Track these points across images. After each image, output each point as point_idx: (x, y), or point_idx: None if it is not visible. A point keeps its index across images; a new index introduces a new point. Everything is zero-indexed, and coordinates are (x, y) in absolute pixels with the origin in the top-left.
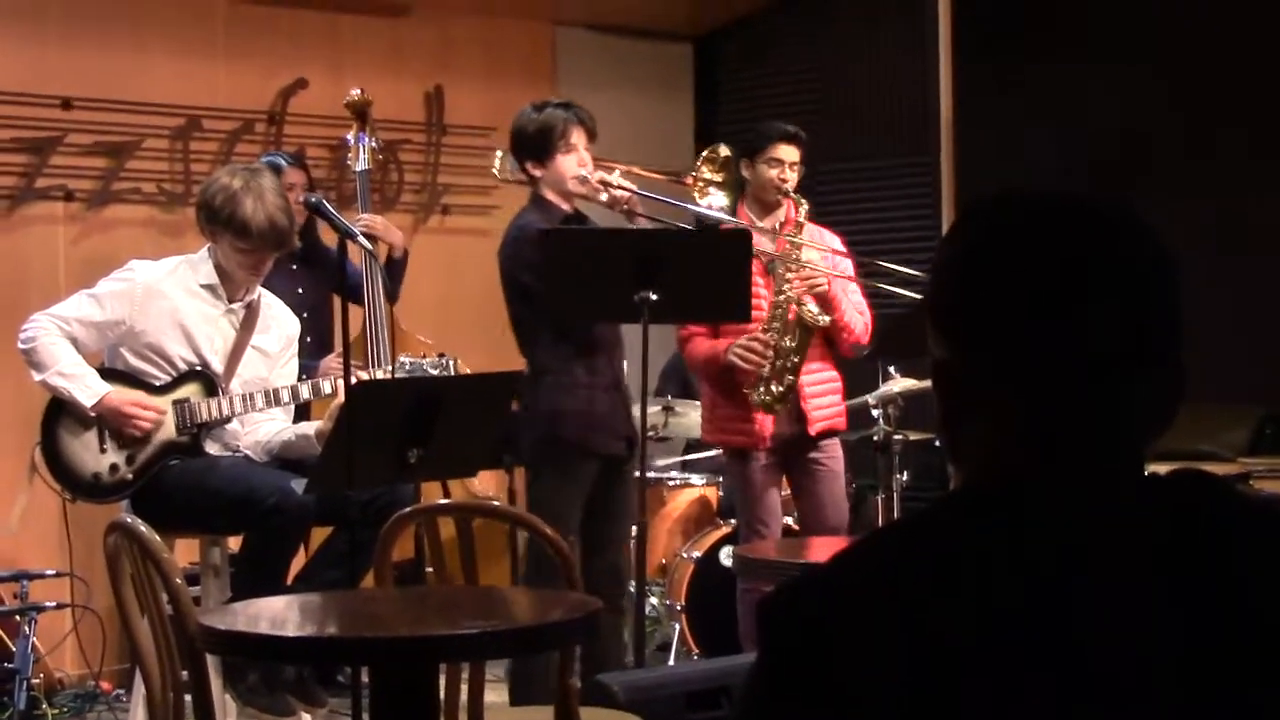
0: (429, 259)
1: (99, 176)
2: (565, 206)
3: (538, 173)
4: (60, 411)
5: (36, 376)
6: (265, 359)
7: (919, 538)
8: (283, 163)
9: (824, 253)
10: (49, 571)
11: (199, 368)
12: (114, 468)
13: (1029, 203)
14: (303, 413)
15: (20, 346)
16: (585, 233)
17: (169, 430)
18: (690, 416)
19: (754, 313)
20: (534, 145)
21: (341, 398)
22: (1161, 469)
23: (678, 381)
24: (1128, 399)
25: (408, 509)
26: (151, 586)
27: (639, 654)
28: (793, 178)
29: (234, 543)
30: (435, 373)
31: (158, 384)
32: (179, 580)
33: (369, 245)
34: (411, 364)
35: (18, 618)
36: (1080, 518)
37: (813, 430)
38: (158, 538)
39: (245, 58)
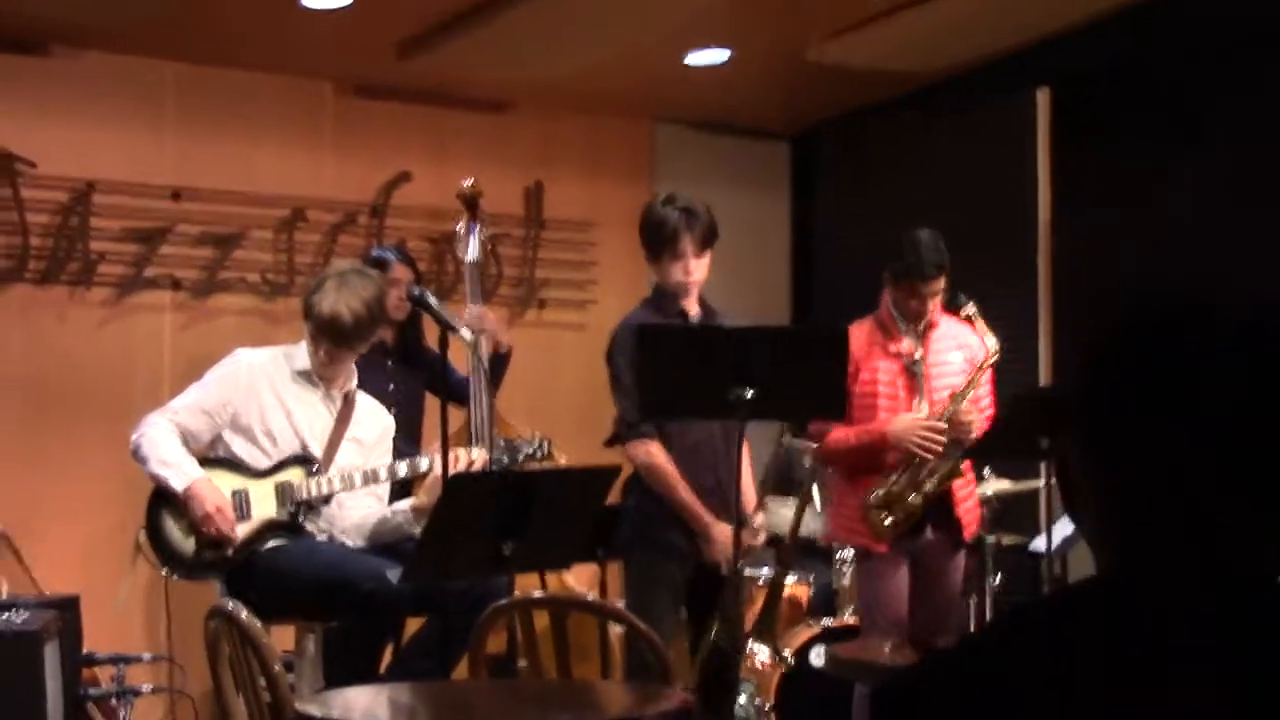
0: (526, 352)
1: (205, 266)
2: (682, 303)
3: (652, 267)
4: (164, 494)
5: (143, 469)
6: (361, 449)
7: (1020, 640)
8: (391, 258)
9: (965, 357)
10: (146, 656)
11: (299, 453)
12: (215, 544)
13: (1168, 313)
14: (403, 493)
15: (130, 448)
16: (681, 330)
17: (269, 509)
18: (781, 514)
19: (888, 400)
20: (647, 239)
21: (438, 473)
22: None
23: (776, 479)
24: (1251, 509)
25: (503, 601)
26: (250, 672)
27: None
28: (935, 305)
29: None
30: (530, 450)
31: (259, 468)
32: (278, 666)
33: (470, 338)
34: (507, 443)
35: (114, 701)
36: (1183, 628)
37: (968, 535)
38: (258, 623)
39: (350, 151)
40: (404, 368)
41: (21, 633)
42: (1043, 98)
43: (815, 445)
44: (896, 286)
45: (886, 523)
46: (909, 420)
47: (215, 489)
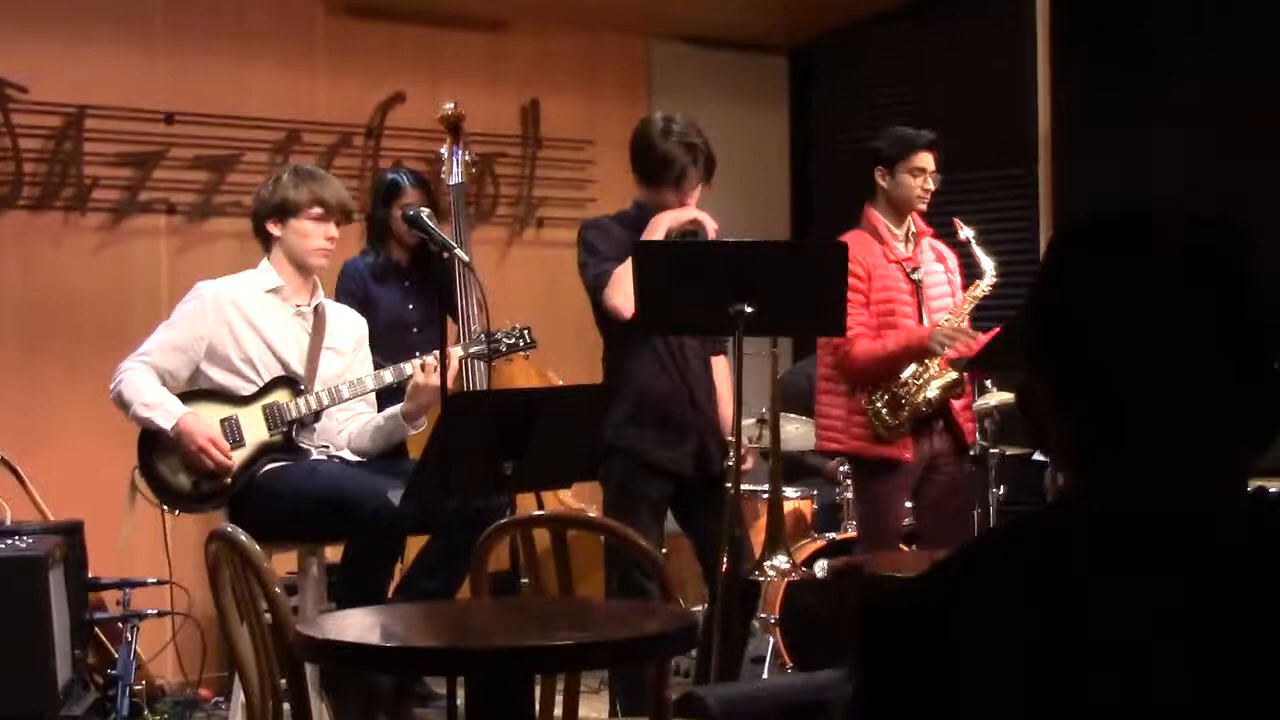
0: (524, 272)
1: (200, 190)
2: None
3: (641, 189)
4: (152, 436)
5: (127, 415)
6: (340, 358)
7: (1000, 559)
8: (404, 182)
9: (945, 268)
10: (151, 579)
11: (281, 374)
12: (213, 475)
13: (1121, 226)
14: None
15: (111, 396)
16: (679, 245)
17: (261, 433)
18: (787, 430)
19: (902, 306)
20: (646, 167)
21: (419, 378)
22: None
23: (796, 397)
24: (1225, 418)
25: (503, 520)
26: (251, 595)
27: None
28: (932, 187)
29: (330, 554)
30: (511, 340)
31: (245, 394)
32: (278, 589)
33: (466, 258)
34: (486, 336)
35: (120, 624)
36: (1164, 543)
37: (971, 440)
38: (258, 547)
39: (344, 72)
40: (421, 287)
41: (26, 558)
42: (1042, 2)
43: (842, 357)
44: (893, 174)
45: (892, 421)
46: (948, 326)
47: (202, 422)
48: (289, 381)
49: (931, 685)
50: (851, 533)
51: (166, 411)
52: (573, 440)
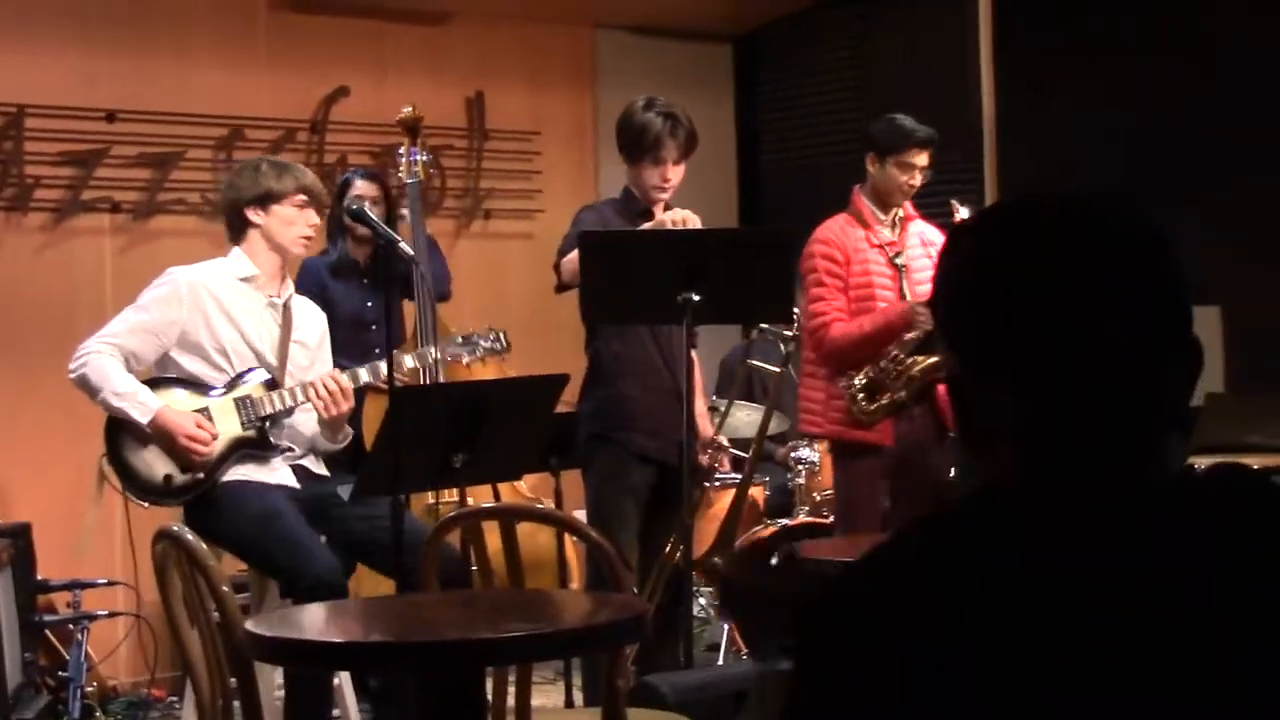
0: (473, 264)
1: (144, 188)
2: (651, 209)
3: (628, 172)
4: (121, 424)
5: (93, 399)
6: (307, 352)
7: (942, 544)
8: (352, 177)
9: (930, 254)
10: (101, 580)
11: (254, 366)
12: (185, 467)
13: (1035, 214)
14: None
15: (71, 376)
16: (626, 234)
17: (234, 426)
18: (736, 416)
19: (882, 291)
20: (626, 142)
21: (320, 415)
22: (1205, 462)
23: (742, 381)
24: (1149, 397)
25: (452, 514)
26: (199, 594)
27: (688, 654)
28: (919, 182)
29: None
30: (488, 343)
31: (216, 384)
32: (226, 588)
33: (411, 252)
34: (464, 338)
35: (71, 626)
36: (1107, 520)
37: (951, 424)
38: (204, 546)
39: (287, 67)
40: (378, 287)
41: None
42: None
43: (819, 341)
44: (883, 163)
45: (871, 407)
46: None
47: (181, 414)
48: (261, 373)
49: (868, 675)
50: (804, 518)
51: (140, 404)
52: (524, 432)
